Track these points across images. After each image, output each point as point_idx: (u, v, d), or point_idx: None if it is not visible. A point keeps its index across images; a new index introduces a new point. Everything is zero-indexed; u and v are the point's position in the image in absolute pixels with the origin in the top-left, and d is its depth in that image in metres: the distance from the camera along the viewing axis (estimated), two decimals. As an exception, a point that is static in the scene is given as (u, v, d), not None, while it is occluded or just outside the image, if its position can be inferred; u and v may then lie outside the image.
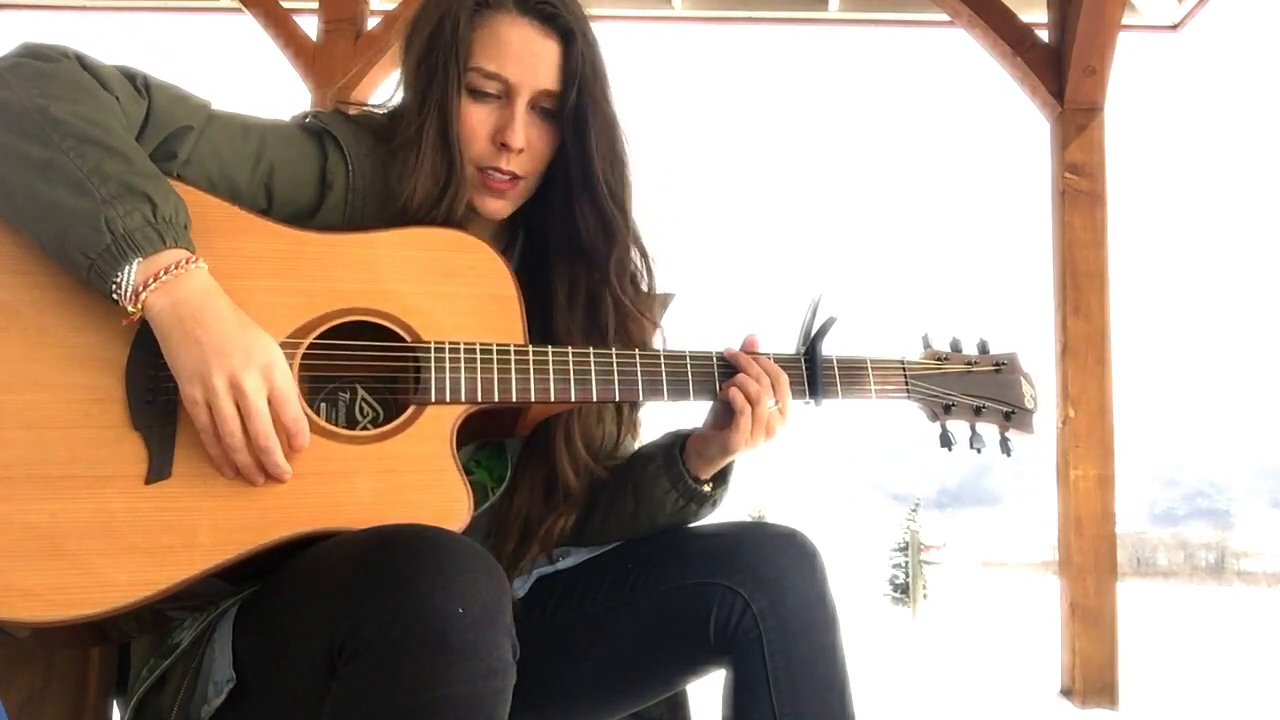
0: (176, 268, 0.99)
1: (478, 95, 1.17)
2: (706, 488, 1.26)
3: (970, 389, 1.29)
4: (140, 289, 0.98)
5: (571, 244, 1.25)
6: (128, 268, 0.97)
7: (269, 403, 0.99)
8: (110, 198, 0.98)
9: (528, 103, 1.18)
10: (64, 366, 1.00)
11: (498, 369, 1.11)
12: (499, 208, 1.22)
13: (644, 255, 1.30)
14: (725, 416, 1.20)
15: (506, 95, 1.18)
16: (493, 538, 1.24)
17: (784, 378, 1.20)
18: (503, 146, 1.17)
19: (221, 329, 0.99)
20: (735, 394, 1.17)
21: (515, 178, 1.20)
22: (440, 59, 1.16)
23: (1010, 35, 4.08)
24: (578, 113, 1.18)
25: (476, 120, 1.18)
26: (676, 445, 1.27)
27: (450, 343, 1.11)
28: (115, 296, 0.98)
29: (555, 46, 1.18)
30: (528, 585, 1.29)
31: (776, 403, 1.19)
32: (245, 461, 0.99)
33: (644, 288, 1.30)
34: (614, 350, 1.17)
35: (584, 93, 1.18)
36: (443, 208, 1.17)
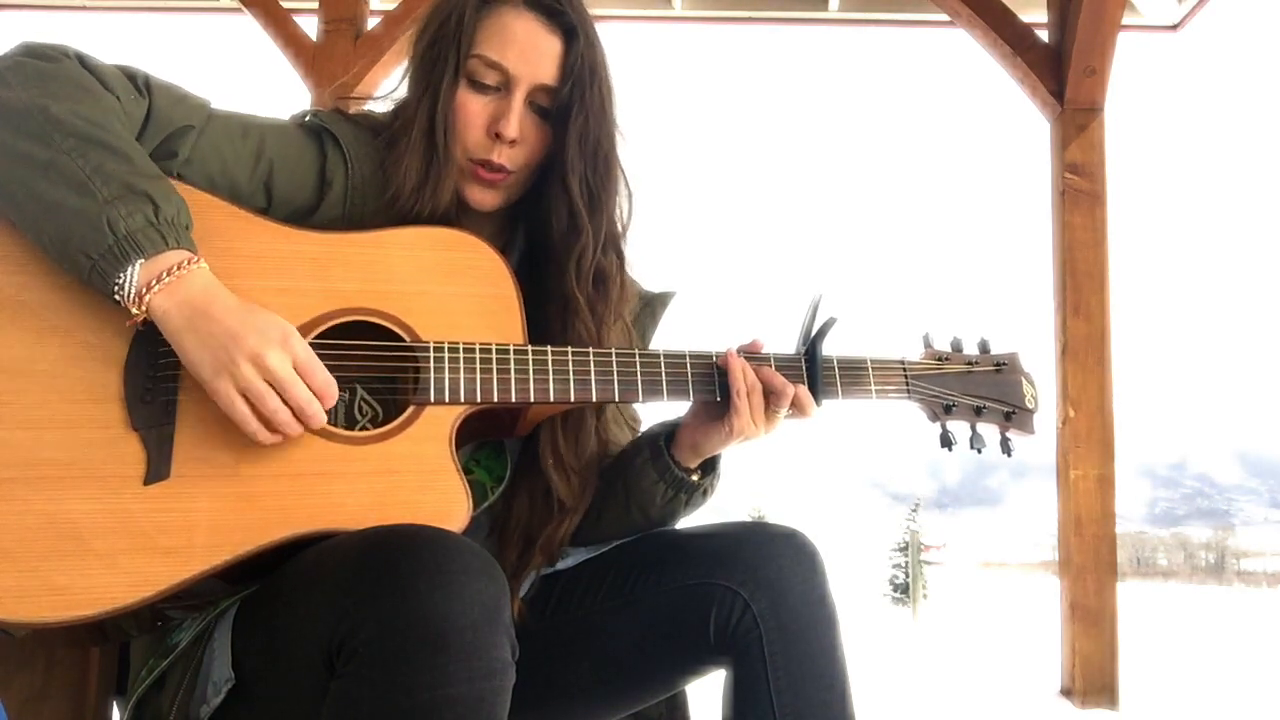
0: (179, 268, 0.99)
1: (477, 86, 1.18)
2: (694, 477, 1.26)
3: (971, 389, 1.29)
4: (144, 290, 0.98)
5: (548, 239, 1.24)
6: (130, 268, 0.97)
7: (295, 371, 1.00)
8: (112, 198, 0.98)
9: (525, 96, 1.18)
10: (63, 367, 1.00)
11: (497, 369, 1.11)
12: (486, 199, 1.21)
13: (619, 259, 1.27)
14: (714, 408, 1.20)
15: (505, 87, 1.18)
16: (495, 546, 1.24)
17: (760, 389, 1.18)
18: (497, 137, 1.17)
19: (229, 319, 0.99)
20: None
21: (505, 171, 1.20)
22: (443, 48, 1.17)
23: (1010, 35, 4.08)
24: (565, 106, 1.19)
25: (473, 110, 1.18)
26: (663, 437, 1.26)
27: (450, 343, 1.11)
28: (117, 297, 0.98)
29: (558, 43, 1.18)
30: (528, 584, 1.29)
31: (774, 408, 1.18)
32: (287, 421, 1.00)
33: (613, 294, 1.26)
34: (614, 350, 1.17)
35: (575, 88, 1.18)
36: (427, 191, 1.16)
